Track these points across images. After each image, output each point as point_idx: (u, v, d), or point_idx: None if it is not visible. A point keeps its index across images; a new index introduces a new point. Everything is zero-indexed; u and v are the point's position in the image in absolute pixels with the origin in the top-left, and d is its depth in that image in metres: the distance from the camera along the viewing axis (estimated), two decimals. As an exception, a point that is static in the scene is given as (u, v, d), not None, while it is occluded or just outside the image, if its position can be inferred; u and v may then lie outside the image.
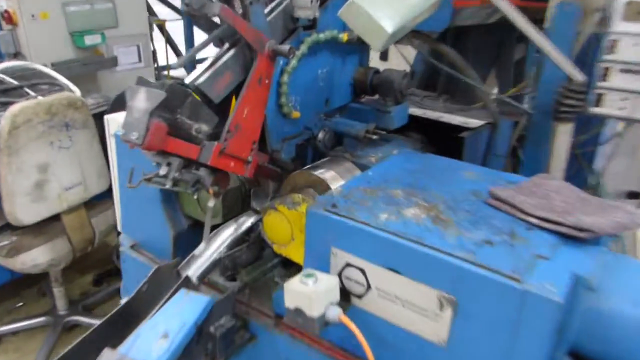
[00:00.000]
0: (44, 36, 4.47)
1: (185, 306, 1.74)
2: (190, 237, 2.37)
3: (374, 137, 2.27)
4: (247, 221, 2.17)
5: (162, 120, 1.55)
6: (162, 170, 1.68)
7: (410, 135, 2.70)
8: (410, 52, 4.65)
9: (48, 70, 4.05)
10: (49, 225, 3.36)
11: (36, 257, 3.32)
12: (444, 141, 2.63)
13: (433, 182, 1.94)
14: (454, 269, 1.47)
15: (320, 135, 2.27)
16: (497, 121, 2.66)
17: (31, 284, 4.48)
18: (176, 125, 1.62)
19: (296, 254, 1.97)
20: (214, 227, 2.15)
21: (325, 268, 1.75)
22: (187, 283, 1.90)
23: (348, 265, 1.70)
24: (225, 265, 2.01)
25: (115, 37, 5.01)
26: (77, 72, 4.67)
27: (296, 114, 2.11)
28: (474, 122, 2.59)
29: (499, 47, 4.12)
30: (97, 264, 4.72)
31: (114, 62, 5.05)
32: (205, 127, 1.71)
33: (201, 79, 1.71)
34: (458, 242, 1.55)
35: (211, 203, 1.92)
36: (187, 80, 1.71)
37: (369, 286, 1.66)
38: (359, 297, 1.70)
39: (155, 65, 5.98)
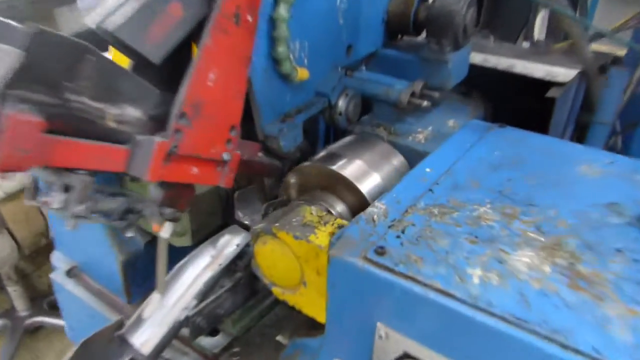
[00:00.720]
0: (-23, -33, 3.55)
1: None
2: (150, 258, 1.59)
3: (425, 103, 1.45)
4: (231, 243, 1.39)
5: (29, 108, 0.74)
6: (57, 201, 0.88)
7: (465, 93, 1.86)
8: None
9: (-17, 12, 3.16)
10: (-19, 220, 2.59)
11: (-32, 261, 2.56)
12: (515, 102, 1.81)
13: (538, 186, 1.15)
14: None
15: (341, 103, 1.46)
16: (591, 71, 1.82)
17: (-11, 275, 3.76)
18: (67, 115, 0.81)
19: (310, 307, 1.21)
20: (182, 254, 1.37)
21: (364, 353, 0.99)
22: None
23: (407, 357, 0.93)
24: (197, 325, 1.24)
25: (72, -34, 4.07)
26: (26, 14, 3.77)
27: (303, 74, 1.29)
28: (563, 73, 1.75)
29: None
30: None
31: (72, -2, 4.10)
32: (133, 112, 0.91)
33: (117, 19, 0.87)
34: (637, 341, 0.77)
35: (165, 232, 1.14)
36: (91, 22, 0.87)
37: (447, 398, 0.90)
38: (428, 412, 0.94)
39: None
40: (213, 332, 1.42)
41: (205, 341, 1.40)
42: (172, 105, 0.95)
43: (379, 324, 0.95)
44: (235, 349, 1.40)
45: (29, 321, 3.30)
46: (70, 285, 1.63)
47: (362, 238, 1.00)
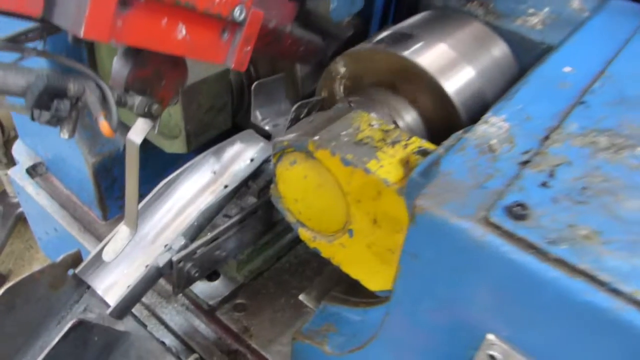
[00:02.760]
0: None
1: None
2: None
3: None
4: (243, 156, 0.96)
5: None
6: None
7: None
8: None
9: None
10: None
11: None
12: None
13: None
14: None
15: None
16: None
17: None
18: None
19: (354, 266, 0.81)
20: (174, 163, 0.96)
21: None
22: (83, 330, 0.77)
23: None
24: (185, 273, 0.84)
25: None
26: None
27: None
28: None
29: None
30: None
31: None
32: None
33: None
34: None
35: (135, 135, 0.70)
36: None
37: None
38: None
39: None
40: (211, 276, 1.03)
41: (200, 288, 1.01)
42: None
43: (491, 338, 0.53)
44: (240, 301, 1.01)
45: (22, 208, 2.98)
46: (31, 188, 1.23)
47: (476, 181, 0.55)
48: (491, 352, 0.53)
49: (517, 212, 0.49)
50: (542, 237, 0.47)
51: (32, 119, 0.56)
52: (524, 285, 0.48)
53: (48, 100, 0.53)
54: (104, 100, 0.57)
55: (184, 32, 0.59)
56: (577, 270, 0.45)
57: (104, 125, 0.54)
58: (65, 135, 0.57)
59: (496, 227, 0.49)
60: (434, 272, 0.55)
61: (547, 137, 0.61)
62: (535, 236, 0.48)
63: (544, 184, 0.53)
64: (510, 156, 0.58)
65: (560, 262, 0.46)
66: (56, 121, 0.55)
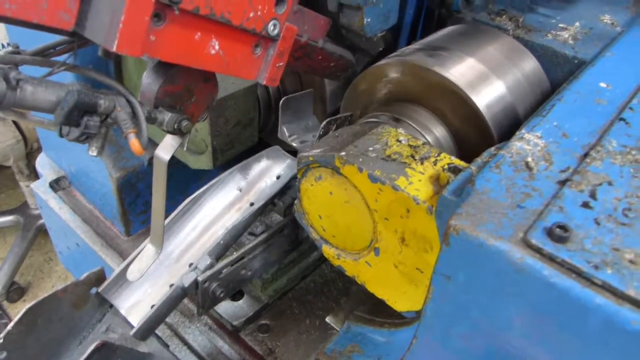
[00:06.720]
0: None
1: None
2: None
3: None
4: (270, 172, 0.94)
5: None
6: None
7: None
8: None
9: None
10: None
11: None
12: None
13: None
14: None
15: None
16: None
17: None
18: None
19: (380, 285, 0.79)
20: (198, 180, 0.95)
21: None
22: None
23: None
24: (210, 294, 0.83)
25: None
26: None
27: None
28: None
29: None
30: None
31: None
32: None
33: None
34: None
35: (164, 152, 0.69)
36: None
37: None
38: None
39: None
40: (235, 296, 1.01)
41: (223, 307, 1.00)
42: None
43: (531, 364, 0.51)
44: (264, 322, 0.99)
45: (42, 220, 3.00)
46: (54, 202, 1.24)
47: (513, 200, 0.53)
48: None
49: (558, 233, 0.47)
50: (585, 261, 0.45)
51: (61, 135, 0.56)
52: (566, 312, 0.46)
53: (78, 117, 0.52)
54: (133, 116, 0.57)
55: (217, 47, 0.59)
56: (624, 297, 0.43)
57: (134, 144, 0.53)
58: (93, 152, 0.57)
59: (536, 250, 0.47)
60: (469, 296, 0.53)
61: (585, 155, 0.59)
62: (578, 260, 0.45)
63: (585, 205, 0.51)
64: (548, 174, 0.56)
65: (606, 288, 0.44)
66: (85, 138, 0.55)
